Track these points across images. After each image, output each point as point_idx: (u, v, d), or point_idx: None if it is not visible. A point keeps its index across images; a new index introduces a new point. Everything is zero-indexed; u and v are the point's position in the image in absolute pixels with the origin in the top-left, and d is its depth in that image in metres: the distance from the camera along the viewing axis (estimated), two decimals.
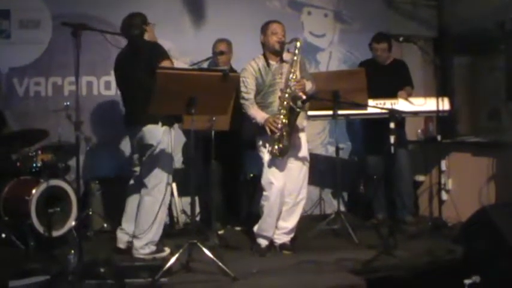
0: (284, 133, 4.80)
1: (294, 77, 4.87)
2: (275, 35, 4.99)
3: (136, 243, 4.83)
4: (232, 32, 6.27)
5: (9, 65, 6.39)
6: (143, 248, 4.81)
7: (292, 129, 4.86)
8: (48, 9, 6.48)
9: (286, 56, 5.08)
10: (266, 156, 4.99)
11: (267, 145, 4.92)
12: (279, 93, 4.93)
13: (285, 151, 4.86)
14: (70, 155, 5.76)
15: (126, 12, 5.12)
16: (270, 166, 4.98)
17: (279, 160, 4.93)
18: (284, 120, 4.80)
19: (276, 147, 4.82)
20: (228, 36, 6.14)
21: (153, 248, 4.85)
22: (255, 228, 5.14)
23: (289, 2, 7.32)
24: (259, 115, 4.94)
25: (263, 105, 5.02)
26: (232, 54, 6.10)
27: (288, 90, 4.84)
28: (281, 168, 4.99)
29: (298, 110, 4.79)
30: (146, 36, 4.97)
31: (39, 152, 5.61)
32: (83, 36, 4.13)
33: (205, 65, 6.04)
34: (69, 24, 4.13)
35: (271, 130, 4.81)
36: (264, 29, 5.08)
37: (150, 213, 4.81)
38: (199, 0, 6.90)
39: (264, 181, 5.03)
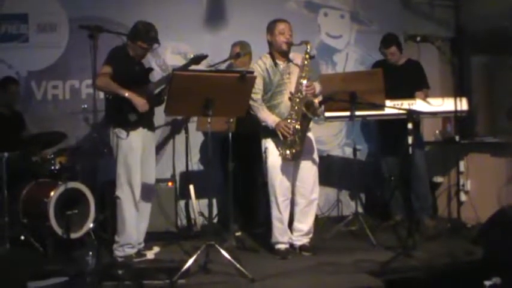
0: (297, 139, 4.76)
1: (305, 81, 4.81)
2: (282, 35, 4.91)
3: (115, 244, 4.87)
4: (249, 34, 6.24)
5: (27, 69, 6.46)
6: (117, 249, 4.84)
7: (304, 134, 4.82)
8: (66, 13, 6.53)
9: (292, 56, 5.02)
10: (271, 159, 4.94)
11: (279, 148, 4.86)
12: (288, 95, 4.89)
13: (298, 156, 4.83)
14: (88, 157, 5.79)
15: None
16: (274, 169, 4.93)
17: (283, 163, 4.88)
18: (297, 126, 4.76)
19: (288, 151, 4.78)
20: (245, 38, 6.11)
21: (130, 250, 4.85)
22: (271, 240, 5.09)
23: (306, 4, 7.30)
24: (270, 118, 4.88)
25: (270, 106, 4.96)
26: (250, 57, 6.06)
27: (299, 94, 4.79)
28: (285, 171, 4.94)
29: (311, 116, 4.74)
30: (132, 51, 4.89)
31: (57, 154, 5.65)
32: (100, 39, 4.15)
33: (223, 66, 6.03)
34: (86, 27, 4.14)
35: (283, 135, 4.78)
36: (272, 28, 5.00)
37: (119, 215, 4.85)
38: (216, 2, 6.91)
39: (269, 185, 5.00)
